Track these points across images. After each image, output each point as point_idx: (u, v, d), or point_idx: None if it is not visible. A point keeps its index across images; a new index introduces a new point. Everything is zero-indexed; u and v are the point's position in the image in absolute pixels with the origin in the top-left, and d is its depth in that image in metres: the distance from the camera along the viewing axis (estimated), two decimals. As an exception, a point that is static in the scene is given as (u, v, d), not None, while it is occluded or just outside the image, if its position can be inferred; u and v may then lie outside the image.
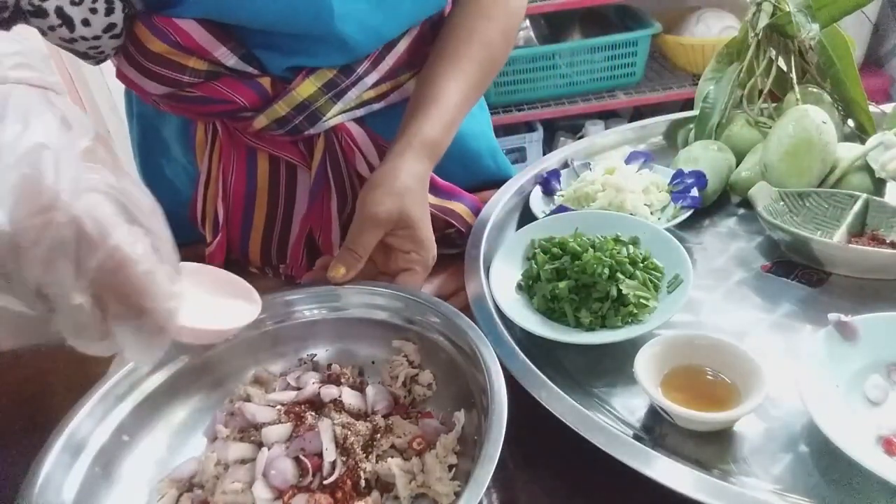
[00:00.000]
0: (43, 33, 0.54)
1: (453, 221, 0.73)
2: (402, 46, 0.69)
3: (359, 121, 0.71)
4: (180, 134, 0.75)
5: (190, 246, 0.77)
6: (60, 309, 0.31)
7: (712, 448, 0.48)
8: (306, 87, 0.64)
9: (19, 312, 0.32)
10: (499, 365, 0.47)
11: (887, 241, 0.64)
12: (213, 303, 0.44)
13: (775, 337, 0.58)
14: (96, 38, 0.56)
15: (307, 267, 0.74)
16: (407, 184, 0.59)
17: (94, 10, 0.54)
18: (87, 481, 0.46)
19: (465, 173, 0.82)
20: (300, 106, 0.65)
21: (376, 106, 0.71)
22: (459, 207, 0.76)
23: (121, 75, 0.64)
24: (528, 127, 2.18)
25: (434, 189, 0.75)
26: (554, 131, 2.28)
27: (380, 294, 0.58)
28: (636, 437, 0.48)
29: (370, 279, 0.60)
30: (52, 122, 0.32)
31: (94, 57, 0.59)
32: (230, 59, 0.60)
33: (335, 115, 0.67)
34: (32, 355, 0.72)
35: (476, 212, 0.76)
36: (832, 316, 0.51)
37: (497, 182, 0.82)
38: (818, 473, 0.45)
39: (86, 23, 0.54)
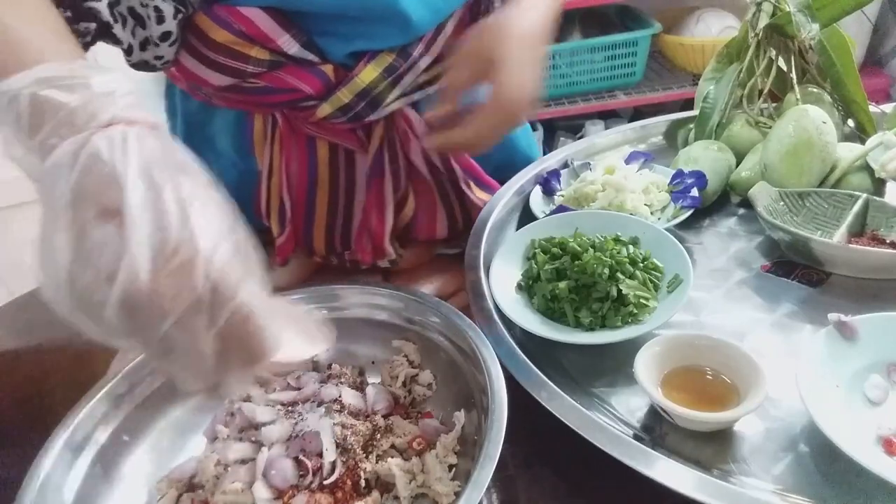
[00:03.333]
0: (119, 43, 0.54)
1: None
2: (449, 28, 0.69)
3: (414, 106, 0.72)
4: (230, 129, 0.74)
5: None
6: (180, 355, 0.32)
7: (712, 448, 0.48)
8: (368, 73, 0.64)
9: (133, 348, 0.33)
10: (499, 365, 0.47)
11: (887, 241, 0.64)
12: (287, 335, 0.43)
13: (775, 337, 0.58)
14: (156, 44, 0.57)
15: (371, 252, 0.74)
16: (499, 23, 0.61)
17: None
18: (87, 481, 0.46)
19: (503, 154, 0.83)
20: (362, 92, 0.65)
21: (430, 90, 0.72)
22: None
23: (181, 69, 0.64)
24: (529, 127, 2.18)
25: (480, 182, 0.77)
26: (554, 131, 2.28)
27: (380, 294, 0.58)
28: (636, 437, 0.48)
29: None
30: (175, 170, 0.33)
31: (154, 66, 0.60)
32: (292, 48, 0.61)
33: (394, 101, 0.68)
34: (33, 355, 0.73)
35: None
36: (832, 316, 0.51)
37: (528, 161, 0.85)
38: (818, 473, 0.45)
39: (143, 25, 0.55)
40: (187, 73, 0.64)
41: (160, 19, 0.55)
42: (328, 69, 0.63)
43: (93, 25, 0.51)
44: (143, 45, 0.57)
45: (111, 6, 0.52)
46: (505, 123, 0.62)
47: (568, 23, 2.15)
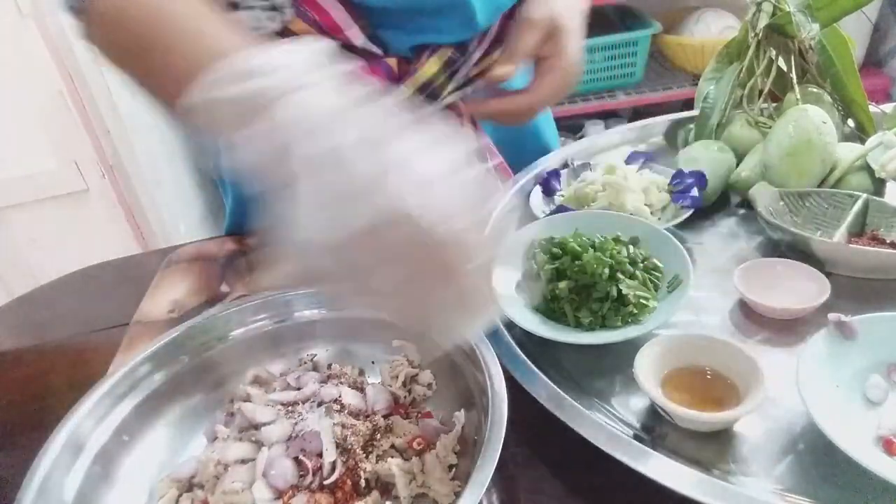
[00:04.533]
0: None
1: None
2: (496, 22, 0.71)
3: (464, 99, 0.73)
4: None
5: None
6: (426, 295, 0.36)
7: (712, 448, 0.48)
8: (430, 67, 0.66)
9: None
10: (499, 365, 0.47)
11: (887, 241, 0.64)
12: None
13: (775, 337, 0.58)
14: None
15: None
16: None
17: None
18: (86, 481, 0.46)
19: (528, 143, 0.86)
20: (423, 86, 0.67)
21: (480, 83, 0.73)
22: None
23: None
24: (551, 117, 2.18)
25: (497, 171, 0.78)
26: (554, 131, 2.28)
27: None
28: (636, 437, 0.48)
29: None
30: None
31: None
32: (359, 39, 0.63)
33: (450, 94, 0.69)
34: (33, 355, 0.72)
35: None
36: (832, 316, 0.51)
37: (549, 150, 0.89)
38: (818, 473, 0.45)
39: None
40: None
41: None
42: (392, 62, 0.65)
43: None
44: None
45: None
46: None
47: (568, 23, 2.15)
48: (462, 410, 0.49)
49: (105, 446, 0.48)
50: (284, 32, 0.61)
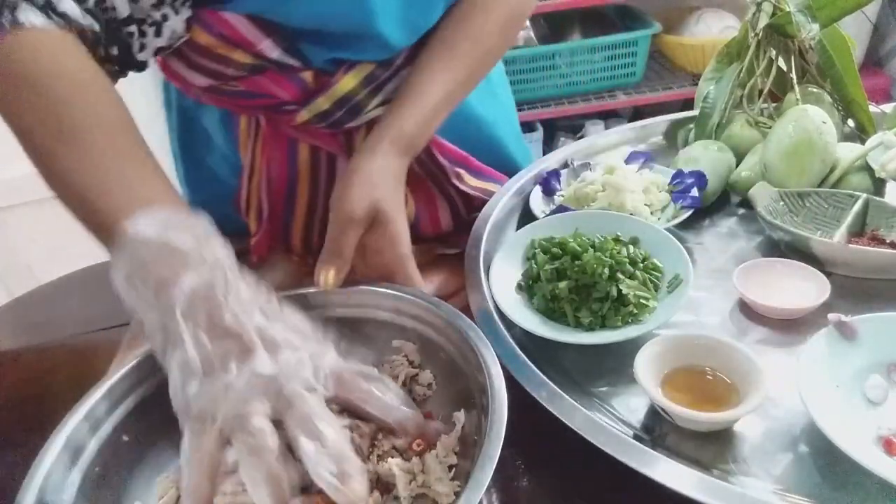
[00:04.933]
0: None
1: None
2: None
3: None
4: (223, 124, 0.75)
5: (234, 236, 0.78)
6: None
7: (712, 448, 0.48)
8: (347, 82, 0.64)
9: None
10: (499, 365, 0.47)
11: (887, 241, 0.64)
12: None
13: (775, 337, 0.58)
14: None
15: None
16: (379, 180, 0.58)
17: None
18: (86, 481, 0.46)
19: (492, 161, 0.83)
20: (341, 100, 0.65)
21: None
22: (494, 187, 0.78)
23: (166, 68, 0.65)
24: (528, 127, 2.17)
25: (471, 170, 0.77)
26: (554, 131, 2.28)
27: (379, 294, 0.58)
28: (636, 437, 0.48)
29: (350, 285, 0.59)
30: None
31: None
32: (274, 52, 0.61)
33: (375, 108, 0.68)
34: (33, 356, 0.73)
35: None
36: (832, 316, 0.51)
37: (519, 169, 0.84)
38: (818, 473, 0.45)
39: None
40: (171, 73, 0.65)
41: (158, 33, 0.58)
42: (308, 76, 0.63)
43: (115, 51, 0.54)
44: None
45: (154, 24, 0.56)
46: (397, 268, 0.59)
47: (568, 23, 2.15)
48: (462, 410, 0.49)
49: (104, 446, 0.48)
50: (190, 44, 0.60)
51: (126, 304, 0.42)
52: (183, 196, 0.86)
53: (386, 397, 0.46)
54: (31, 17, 0.46)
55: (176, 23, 0.56)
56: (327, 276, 0.56)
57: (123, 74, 0.57)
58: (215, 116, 0.74)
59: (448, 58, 0.65)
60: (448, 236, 0.80)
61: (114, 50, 0.54)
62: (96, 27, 0.51)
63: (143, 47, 0.56)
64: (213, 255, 0.43)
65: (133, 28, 0.54)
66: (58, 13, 0.48)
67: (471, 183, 0.76)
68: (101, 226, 0.45)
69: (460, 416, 0.49)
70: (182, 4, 0.56)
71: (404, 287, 0.58)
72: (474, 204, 0.78)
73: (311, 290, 0.59)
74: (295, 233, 0.76)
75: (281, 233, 0.76)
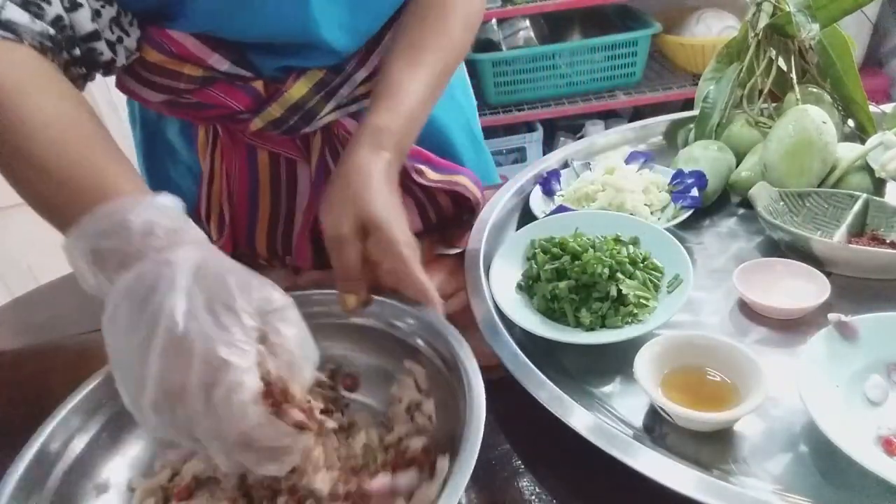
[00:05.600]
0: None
1: (462, 192, 0.75)
2: (386, 38, 0.69)
3: (354, 115, 0.71)
4: (183, 135, 0.76)
5: None
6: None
7: (712, 448, 0.48)
8: (298, 89, 0.65)
9: None
10: (479, 374, 0.46)
11: (887, 241, 0.64)
12: None
13: (775, 337, 0.58)
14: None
15: (312, 258, 0.75)
16: (361, 188, 0.55)
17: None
18: (63, 486, 0.46)
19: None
20: (294, 107, 0.65)
21: (367, 102, 0.70)
22: (463, 179, 0.76)
23: (121, 86, 0.65)
24: (528, 127, 2.18)
25: (435, 166, 0.75)
26: (554, 131, 2.28)
27: (399, 309, 0.56)
28: (636, 437, 0.48)
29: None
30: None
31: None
32: (223, 65, 0.62)
33: (329, 113, 0.68)
34: (33, 355, 0.73)
35: (476, 183, 0.77)
36: (832, 316, 0.51)
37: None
38: (818, 473, 0.45)
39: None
40: (125, 89, 0.65)
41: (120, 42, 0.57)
42: (259, 84, 0.64)
43: (77, 52, 0.53)
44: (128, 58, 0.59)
45: (108, 43, 0.55)
46: (407, 269, 0.55)
47: (568, 23, 2.15)
48: (447, 455, 0.45)
49: (84, 453, 0.48)
50: (141, 62, 0.60)
51: (85, 280, 0.41)
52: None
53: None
54: None
55: (130, 42, 0.57)
56: (347, 301, 0.55)
57: (91, 77, 0.57)
58: (176, 127, 0.75)
59: (419, 55, 0.64)
60: (447, 236, 0.80)
61: (76, 51, 0.53)
62: (48, 42, 0.50)
63: (112, 61, 0.57)
64: (197, 235, 0.42)
65: (94, 44, 0.54)
66: (5, 27, 0.47)
67: (431, 177, 0.74)
68: (60, 216, 0.43)
69: (444, 465, 0.45)
70: (130, 25, 0.57)
71: (424, 307, 0.54)
72: (439, 202, 0.78)
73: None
74: (259, 238, 0.77)
75: (245, 238, 0.77)
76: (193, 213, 0.77)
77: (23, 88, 0.46)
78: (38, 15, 0.49)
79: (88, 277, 0.41)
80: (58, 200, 0.44)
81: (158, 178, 0.81)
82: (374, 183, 0.55)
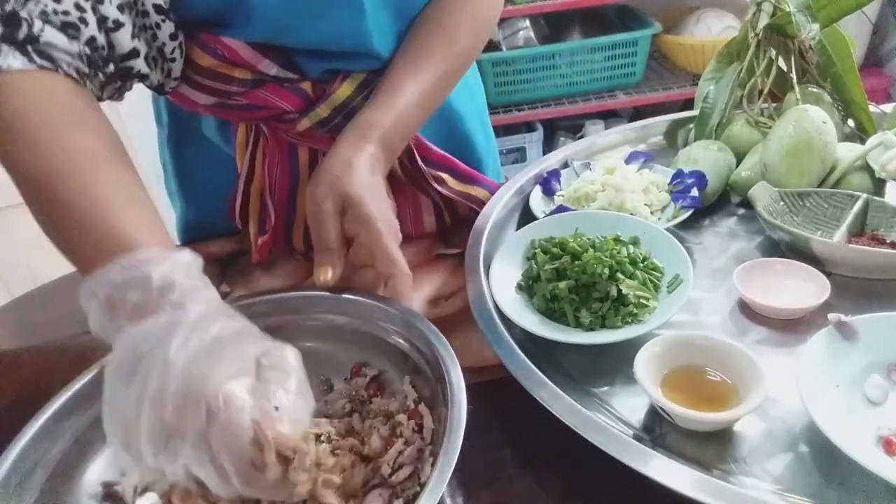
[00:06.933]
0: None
1: (474, 206, 0.76)
2: None
3: None
4: (221, 132, 0.76)
5: (234, 237, 0.80)
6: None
7: (712, 448, 0.48)
8: (344, 90, 0.67)
9: None
10: (460, 373, 0.46)
11: (887, 241, 0.64)
12: None
13: (775, 337, 0.58)
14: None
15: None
16: (342, 170, 0.58)
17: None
18: (45, 492, 0.46)
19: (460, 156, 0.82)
20: (340, 107, 0.67)
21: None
22: (480, 192, 0.78)
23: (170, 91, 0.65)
24: (528, 127, 2.18)
25: (457, 174, 0.77)
26: (554, 131, 2.28)
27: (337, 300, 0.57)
28: (636, 437, 0.48)
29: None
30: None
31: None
32: (272, 69, 0.63)
33: None
34: (33, 356, 0.73)
35: (493, 192, 0.79)
36: (832, 316, 0.51)
37: (481, 164, 0.84)
38: (818, 473, 0.45)
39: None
40: (176, 95, 0.66)
41: (182, 53, 0.59)
42: (307, 86, 0.65)
43: (111, 68, 0.54)
44: (168, 74, 0.61)
45: (146, 58, 0.56)
46: (385, 251, 0.56)
47: (568, 23, 2.15)
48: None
49: (66, 456, 0.48)
50: (192, 66, 0.61)
51: (94, 321, 0.41)
52: (178, 208, 0.88)
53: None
54: (9, 60, 0.46)
55: (174, 66, 0.59)
56: (323, 274, 0.56)
57: (128, 88, 0.58)
58: (212, 124, 0.76)
59: (423, 58, 0.66)
60: (447, 236, 0.80)
61: (110, 68, 0.53)
62: (85, 68, 0.50)
63: (168, 73, 0.59)
64: (212, 295, 0.43)
65: (132, 62, 0.55)
66: (42, 55, 0.47)
67: (453, 187, 0.76)
68: (79, 265, 0.44)
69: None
70: (173, 52, 0.58)
71: (369, 294, 0.56)
72: (456, 209, 0.79)
73: (313, 292, 0.58)
74: (297, 235, 0.77)
75: (283, 235, 0.77)
76: (228, 209, 0.77)
77: (53, 124, 0.46)
78: (74, 37, 0.49)
79: (99, 319, 0.41)
80: (80, 244, 0.44)
81: (189, 175, 0.83)
82: (355, 168, 0.58)
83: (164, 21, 0.55)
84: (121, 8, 0.52)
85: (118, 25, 0.52)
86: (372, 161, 0.60)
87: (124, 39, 0.53)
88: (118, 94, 0.57)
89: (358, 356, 0.57)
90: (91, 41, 0.50)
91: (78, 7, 0.49)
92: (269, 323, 0.53)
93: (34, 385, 0.67)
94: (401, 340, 0.55)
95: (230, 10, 0.57)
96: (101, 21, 0.51)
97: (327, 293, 0.57)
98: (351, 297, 0.57)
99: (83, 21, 0.49)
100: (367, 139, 0.61)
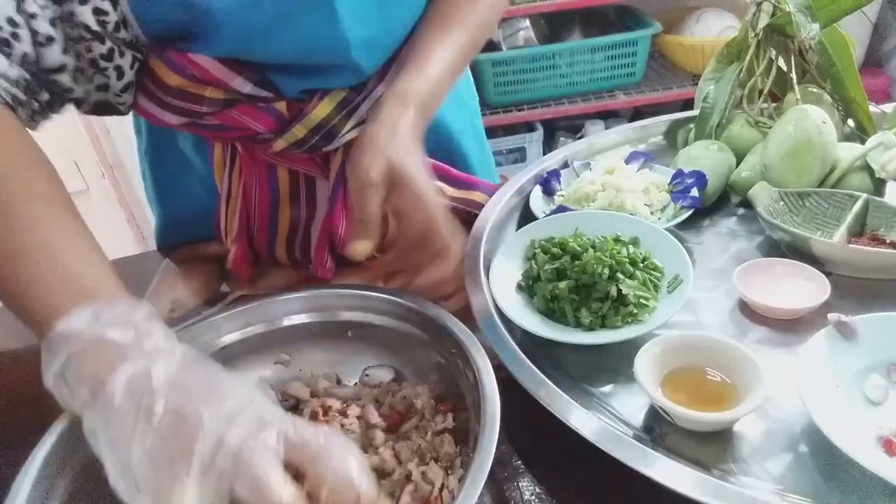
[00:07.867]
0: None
1: (474, 210, 0.75)
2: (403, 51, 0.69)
3: None
4: (197, 148, 0.76)
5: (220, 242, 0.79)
6: None
7: (712, 448, 0.48)
8: (322, 109, 0.64)
9: None
10: (491, 370, 0.47)
11: (887, 241, 0.64)
12: None
13: (775, 337, 0.58)
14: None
15: (332, 267, 0.75)
16: (387, 141, 0.56)
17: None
18: (80, 476, 0.46)
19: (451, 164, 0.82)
20: (317, 127, 0.65)
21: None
22: (478, 196, 0.77)
23: (139, 109, 0.63)
24: (528, 127, 2.18)
25: (452, 181, 0.76)
26: (554, 131, 2.28)
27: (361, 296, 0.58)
28: (636, 437, 0.48)
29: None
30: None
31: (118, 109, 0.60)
32: (246, 87, 0.60)
33: (350, 130, 0.68)
34: (33, 356, 0.72)
35: (490, 195, 0.78)
36: (832, 316, 0.51)
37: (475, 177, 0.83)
38: (818, 473, 0.45)
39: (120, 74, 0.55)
40: (144, 113, 0.63)
41: (120, 75, 0.55)
42: (281, 106, 0.63)
43: (46, 96, 0.51)
44: (103, 90, 0.56)
45: (71, 72, 0.52)
46: (432, 225, 0.56)
47: (568, 23, 2.15)
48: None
49: (89, 461, 0.48)
50: (160, 85, 0.59)
51: (59, 401, 0.40)
52: (158, 214, 0.87)
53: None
54: None
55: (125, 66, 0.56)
56: (363, 247, 0.55)
57: (56, 111, 0.55)
58: (189, 140, 0.75)
59: (447, 29, 0.65)
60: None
61: (45, 95, 0.51)
62: (21, 95, 0.49)
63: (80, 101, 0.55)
64: (154, 345, 0.40)
65: (58, 77, 0.52)
66: None
67: (451, 195, 0.75)
68: (36, 321, 0.42)
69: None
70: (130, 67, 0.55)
71: (392, 290, 0.57)
72: (459, 217, 0.78)
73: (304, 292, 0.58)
74: (279, 248, 0.77)
75: (266, 248, 0.77)
76: (210, 217, 0.77)
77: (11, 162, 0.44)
78: (8, 54, 0.47)
79: (61, 389, 0.40)
80: (33, 302, 0.42)
81: (168, 184, 0.82)
82: (400, 136, 0.57)
83: (95, 41, 0.52)
84: (52, 22, 0.49)
85: (49, 41, 0.49)
86: (413, 128, 0.59)
87: (54, 54, 0.50)
88: (43, 120, 0.54)
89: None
90: (24, 57, 0.48)
91: (11, 22, 0.46)
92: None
93: (34, 385, 0.67)
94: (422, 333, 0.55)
95: (194, 21, 0.54)
96: (34, 35, 0.48)
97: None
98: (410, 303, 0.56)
99: (16, 37, 0.47)
100: (405, 106, 0.59)
